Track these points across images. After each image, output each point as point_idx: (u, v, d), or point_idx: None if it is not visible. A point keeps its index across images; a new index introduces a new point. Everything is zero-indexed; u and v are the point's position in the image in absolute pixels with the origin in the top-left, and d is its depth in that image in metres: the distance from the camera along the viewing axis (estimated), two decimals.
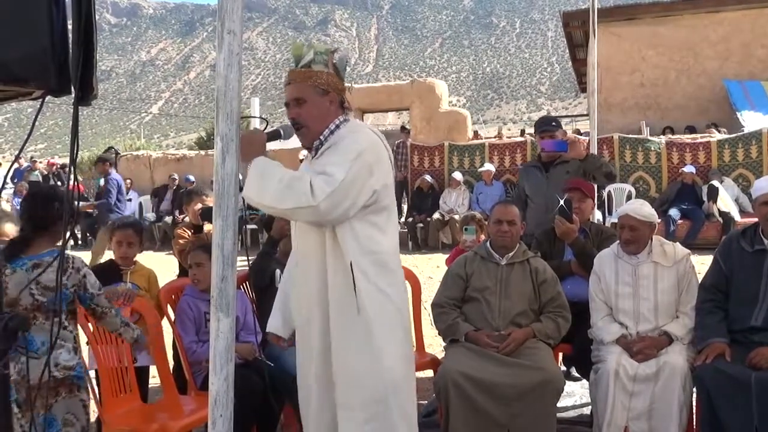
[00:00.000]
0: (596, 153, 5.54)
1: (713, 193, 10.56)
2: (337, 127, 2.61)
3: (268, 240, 4.11)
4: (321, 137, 2.59)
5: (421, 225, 12.15)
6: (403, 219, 13.68)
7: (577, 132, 16.36)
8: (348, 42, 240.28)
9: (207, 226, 4.34)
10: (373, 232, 2.52)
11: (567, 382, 4.57)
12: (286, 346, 2.92)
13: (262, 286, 4.04)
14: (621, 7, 15.46)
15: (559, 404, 3.75)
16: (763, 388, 2.96)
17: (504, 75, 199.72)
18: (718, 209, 10.48)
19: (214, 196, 1.71)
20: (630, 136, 12.24)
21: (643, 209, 3.68)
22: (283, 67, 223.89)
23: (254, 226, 13.80)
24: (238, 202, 1.72)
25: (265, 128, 2.56)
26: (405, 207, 13.69)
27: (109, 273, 3.68)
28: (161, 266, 8.91)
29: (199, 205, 4.39)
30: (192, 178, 14.25)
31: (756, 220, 3.47)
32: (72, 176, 1.85)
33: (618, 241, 3.77)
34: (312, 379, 2.61)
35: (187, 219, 4.61)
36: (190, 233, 4.41)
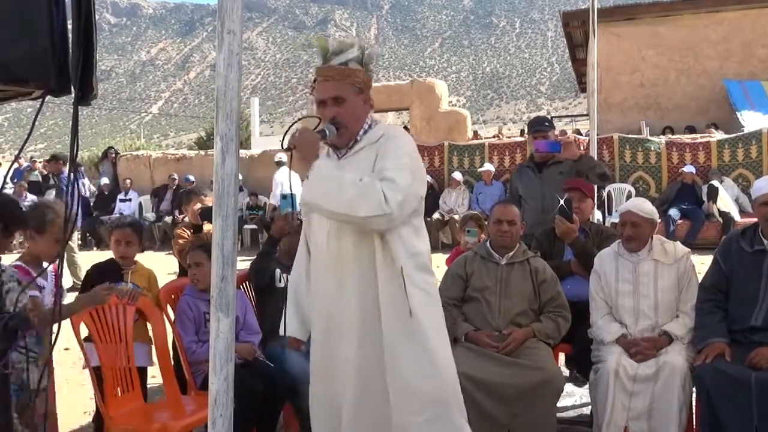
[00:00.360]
0: (596, 153, 5.55)
1: (713, 193, 10.56)
2: (370, 127, 2.60)
3: (268, 239, 4.11)
4: (357, 137, 2.57)
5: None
6: None
7: (578, 132, 16.37)
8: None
9: (206, 226, 4.34)
10: (413, 236, 2.54)
11: (567, 382, 4.58)
12: (306, 349, 2.85)
13: (262, 285, 4.04)
14: (621, 7, 15.46)
15: (559, 404, 3.75)
16: (763, 388, 2.97)
17: (504, 75, 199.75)
18: (718, 209, 10.48)
19: (213, 196, 1.71)
20: (630, 136, 12.24)
21: (645, 206, 3.70)
22: (282, 67, 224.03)
23: (254, 226, 13.81)
24: (237, 201, 1.72)
25: (316, 128, 2.48)
26: None
27: (109, 272, 3.68)
28: (161, 266, 8.92)
29: (199, 205, 4.39)
30: (192, 178, 14.24)
31: (756, 220, 3.47)
32: (72, 176, 1.85)
33: (619, 240, 3.78)
34: (345, 384, 2.51)
35: (186, 219, 4.61)
36: (189, 233, 4.41)
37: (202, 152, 16.28)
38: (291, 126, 2.47)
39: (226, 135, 1.64)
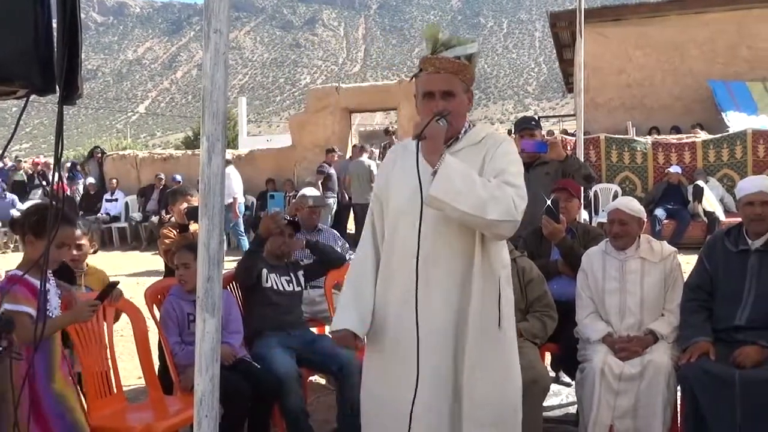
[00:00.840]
0: (583, 153, 5.56)
1: (698, 193, 10.64)
2: (470, 126, 2.54)
3: (255, 238, 4.10)
4: (459, 135, 2.50)
5: None
6: None
7: (565, 132, 16.42)
8: (335, 42, 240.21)
9: (193, 226, 4.32)
10: (503, 247, 2.54)
11: (553, 382, 4.60)
12: (361, 347, 2.69)
13: (248, 285, 4.03)
14: (608, 7, 15.53)
15: (546, 403, 3.77)
16: (746, 387, 2.99)
17: (491, 75, 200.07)
18: (703, 209, 10.55)
19: (199, 196, 1.70)
20: (616, 136, 12.30)
21: (632, 204, 3.73)
22: (270, 66, 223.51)
23: None
24: (224, 201, 1.71)
25: (432, 119, 2.35)
26: None
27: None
28: (148, 266, 8.88)
29: (185, 205, 4.36)
30: (179, 177, 14.17)
31: (740, 220, 3.50)
32: (57, 176, 1.84)
33: (606, 239, 3.80)
34: (420, 390, 2.34)
35: (173, 219, 4.59)
36: (175, 233, 4.39)
37: (190, 152, 16.21)
38: (430, 121, 2.31)
39: (212, 135, 1.63)
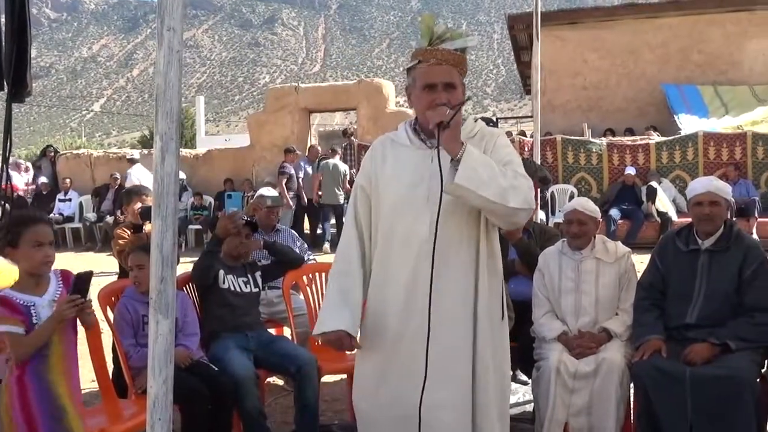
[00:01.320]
0: (540, 154, 5.63)
1: (652, 194, 10.85)
2: (464, 119, 2.53)
3: (212, 238, 4.05)
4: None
5: None
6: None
7: (522, 133, 16.60)
8: (295, 41, 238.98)
9: (147, 226, 4.25)
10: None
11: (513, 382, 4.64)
12: (358, 347, 2.56)
13: (205, 286, 3.98)
14: (564, 11, 15.79)
15: None
16: (696, 383, 3.06)
17: None
18: (657, 210, 10.77)
19: (153, 196, 1.67)
20: (572, 137, 12.49)
21: (589, 205, 3.81)
22: (229, 65, 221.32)
23: (198, 227, 13.60)
24: (178, 201, 1.68)
25: (453, 116, 2.34)
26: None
27: None
28: (103, 267, 8.69)
29: (139, 205, 4.29)
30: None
31: (691, 220, 3.58)
32: (5, 175, 1.80)
33: (563, 239, 3.85)
34: (426, 381, 2.33)
35: (128, 219, 4.50)
36: (129, 233, 4.31)
37: (146, 151, 15.95)
38: (457, 110, 2.31)
39: (166, 134, 1.61)
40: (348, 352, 2.53)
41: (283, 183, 11.99)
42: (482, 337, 2.41)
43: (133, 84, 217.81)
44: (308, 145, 14.14)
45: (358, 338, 2.54)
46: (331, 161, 12.13)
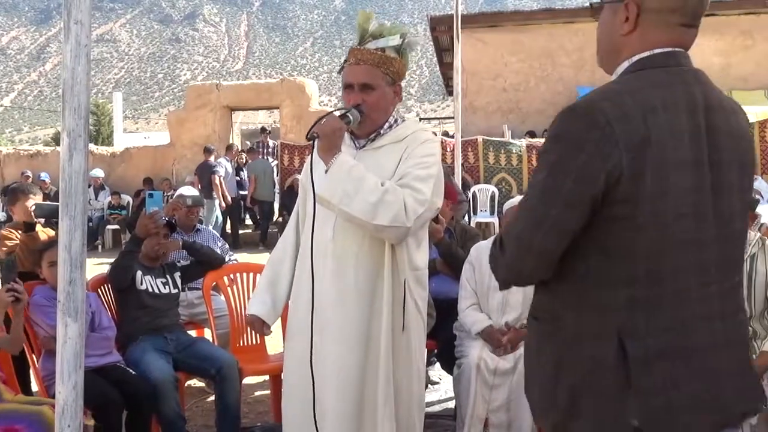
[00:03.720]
0: (461, 155, 5.70)
1: None
2: (396, 122, 2.46)
3: (131, 238, 3.93)
4: (381, 130, 2.42)
5: None
6: (274, 219, 13.59)
7: (445, 134, 16.83)
8: (217, 37, 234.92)
9: (39, 226, 4.06)
10: (416, 248, 2.45)
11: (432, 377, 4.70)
12: (269, 333, 2.65)
13: (123, 287, 3.86)
14: (485, 14, 16.06)
15: (425, 399, 3.84)
16: None
17: None
18: None
19: (60, 195, 1.61)
20: (493, 138, 12.72)
21: None
22: (148, 61, 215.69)
23: (116, 227, 13.22)
24: (86, 200, 1.63)
25: (346, 115, 2.29)
26: (276, 206, 13.60)
27: None
28: None
29: (31, 202, 4.04)
30: (46, 175, 13.46)
31: None
32: None
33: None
34: (327, 386, 2.37)
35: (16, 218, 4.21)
36: (18, 233, 4.06)
37: (59, 148, 15.39)
38: (322, 118, 2.25)
39: (73, 131, 1.55)
40: (270, 354, 2.59)
41: (217, 181, 11.94)
42: (375, 345, 2.37)
43: (46, 78, 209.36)
44: (229, 143, 13.95)
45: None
46: (265, 159, 12.49)
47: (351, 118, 2.31)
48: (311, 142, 2.25)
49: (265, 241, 12.55)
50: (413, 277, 2.44)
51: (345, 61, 2.46)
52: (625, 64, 1.55)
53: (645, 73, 1.50)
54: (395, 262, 2.37)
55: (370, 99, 2.35)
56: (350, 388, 2.36)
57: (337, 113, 2.31)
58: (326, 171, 2.24)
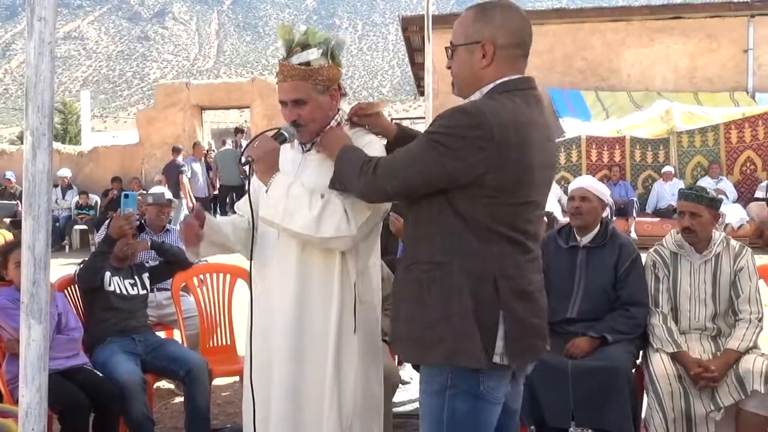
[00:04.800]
0: None
1: None
2: (338, 124, 2.43)
3: (104, 239, 3.86)
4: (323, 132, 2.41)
5: None
6: None
7: None
8: (187, 36, 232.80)
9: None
10: (365, 251, 2.44)
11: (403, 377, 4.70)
12: (200, 235, 2.46)
13: (92, 287, 3.81)
14: (456, 15, 16.04)
15: (396, 399, 3.85)
16: (577, 375, 3.21)
17: (346, 76, 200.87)
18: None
19: (24, 195, 1.58)
20: None
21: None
22: (116, 59, 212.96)
23: (84, 227, 13.05)
24: (51, 200, 1.60)
25: (274, 134, 2.30)
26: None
27: None
28: None
29: None
30: (11, 174, 13.24)
31: None
32: None
33: None
34: (278, 384, 2.38)
35: None
36: None
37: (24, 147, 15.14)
38: (253, 139, 2.27)
39: (37, 129, 1.53)
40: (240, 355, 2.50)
41: (184, 181, 11.88)
42: (338, 348, 2.37)
43: (11, 76, 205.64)
44: (195, 141, 13.82)
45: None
46: (226, 149, 12.93)
47: (286, 135, 2.33)
48: (246, 166, 2.29)
49: None
50: (363, 279, 2.45)
51: (276, 74, 2.45)
52: (489, 86, 2.03)
53: (509, 94, 1.99)
54: (344, 266, 2.38)
55: (304, 113, 2.36)
56: (294, 391, 2.37)
57: (271, 133, 2.33)
58: (266, 191, 2.28)
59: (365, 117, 2.46)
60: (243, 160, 2.28)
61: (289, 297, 2.37)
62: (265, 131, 2.32)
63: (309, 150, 2.45)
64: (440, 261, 1.97)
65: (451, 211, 1.96)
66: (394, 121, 2.63)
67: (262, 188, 2.34)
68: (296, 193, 2.24)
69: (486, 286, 1.93)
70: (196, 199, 12.30)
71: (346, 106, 2.55)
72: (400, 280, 2.13)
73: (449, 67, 2.13)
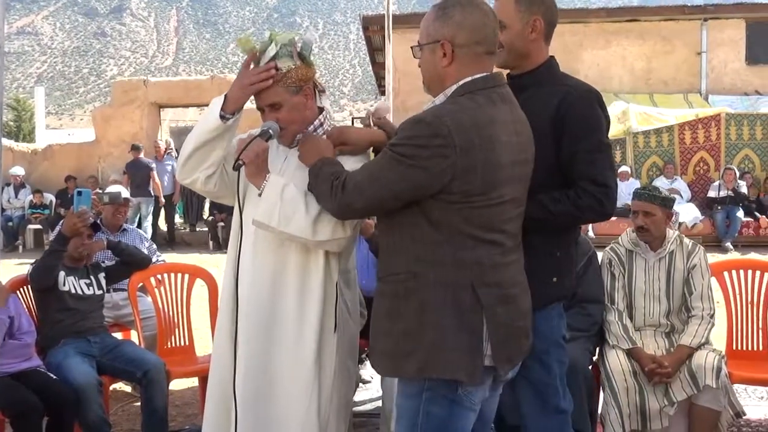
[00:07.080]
0: None
1: None
2: (321, 124, 2.44)
3: (57, 237, 3.77)
4: (305, 131, 2.41)
5: (222, 224, 11.93)
6: (204, 218, 13.40)
7: None
8: (145, 32, 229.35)
9: None
10: (348, 251, 2.47)
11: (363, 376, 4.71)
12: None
13: (46, 287, 3.73)
14: (417, 14, 16.15)
15: (356, 398, 3.85)
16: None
17: None
18: None
19: None
20: None
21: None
22: (72, 55, 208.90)
23: (38, 226, 12.79)
24: (0, 199, 1.57)
25: (260, 133, 2.29)
26: (207, 206, 13.41)
27: None
28: None
29: None
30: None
31: None
32: None
33: None
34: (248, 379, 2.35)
35: None
36: None
37: None
38: (247, 144, 2.24)
39: None
40: (198, 355, 2.48)
41: (157, 179, 11.82)
42: (304, 345, 2.36)
43: None
44: (156, 140, 13.64)
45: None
46: None
47: (271, 132, 2.33)
48: (237, 171, 2.29)
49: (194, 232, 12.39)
50: (344, 280, 2.47)
51: None
52: (453, 88, 2.03)
53: (471, 95, 1.98)
54: (327, 267, 2.39)
55: (281, 116, 2.37)
56: (264, 369, 2.37)
57: (257, 133, 2.33)
58: (259, 194, 2.26)
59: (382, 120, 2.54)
60: (235, 165, 2.26)
61: (263, 284, 2.37)
62: (254, 137, 2.30)
63: (295, 145, 2.43)
64: (416, 272, 1.96)
65: (425, 220, 1.95)
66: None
67: (251, 189, 2.34)
68: (290, 196, 2.24)
69: (465, 294, 1.92)
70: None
71: (327, 103, 2.56)
72: (376, 292, 2.10)
73: (420, 66, 2.16)
